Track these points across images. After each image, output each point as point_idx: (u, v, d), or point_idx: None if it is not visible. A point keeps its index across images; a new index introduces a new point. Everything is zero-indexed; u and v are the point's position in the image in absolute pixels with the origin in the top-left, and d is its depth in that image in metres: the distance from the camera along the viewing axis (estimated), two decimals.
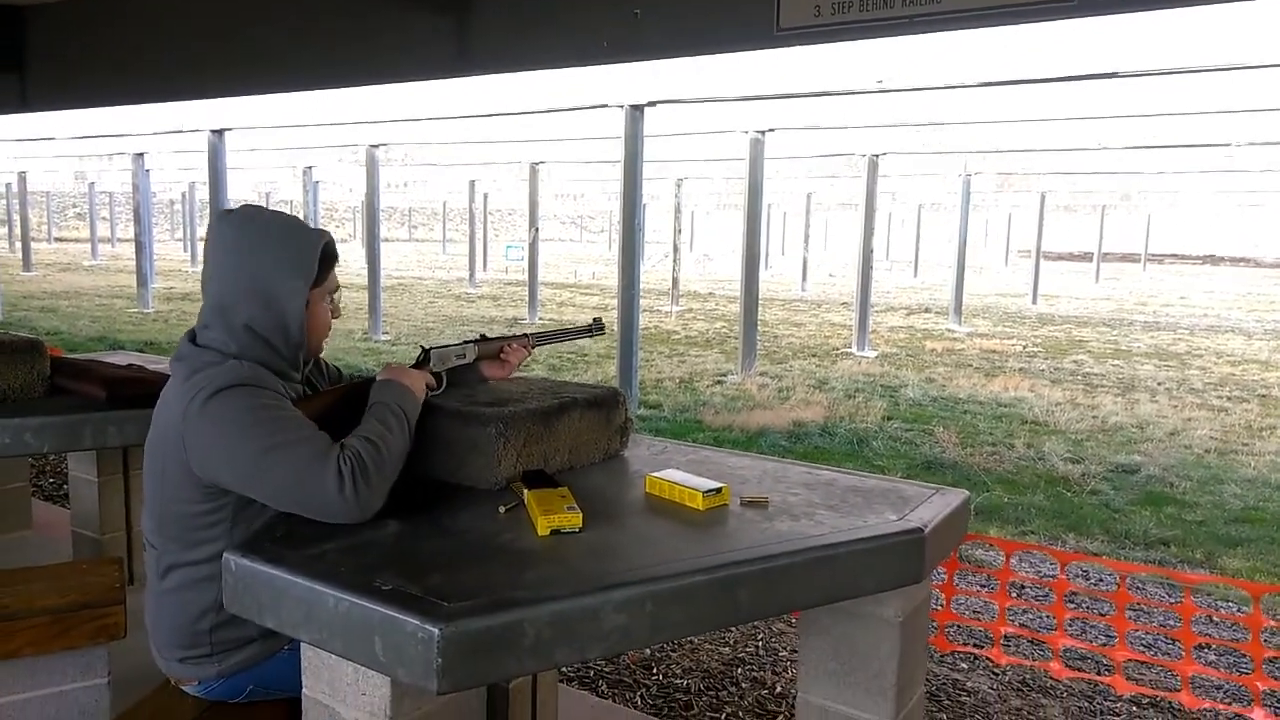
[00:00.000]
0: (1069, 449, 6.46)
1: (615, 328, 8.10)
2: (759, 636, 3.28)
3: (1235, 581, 2.28)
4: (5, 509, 3.68)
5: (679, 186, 17.68)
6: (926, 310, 17.67)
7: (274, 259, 1.66)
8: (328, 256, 1.73)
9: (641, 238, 8.04)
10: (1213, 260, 33.95)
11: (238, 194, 19.56)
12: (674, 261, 17.47)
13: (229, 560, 1.42)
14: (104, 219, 36.06)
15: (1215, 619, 2.97)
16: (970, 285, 16.70)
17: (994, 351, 11.82)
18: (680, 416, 7.31)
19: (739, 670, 3.02)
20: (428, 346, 1.95)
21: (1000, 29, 5.18)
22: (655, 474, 1.79)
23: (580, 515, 1.54)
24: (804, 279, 22.06)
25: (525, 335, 2.05)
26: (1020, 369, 10.30)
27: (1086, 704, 2.81)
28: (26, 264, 22.01)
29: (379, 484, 1.55)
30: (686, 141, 11.85)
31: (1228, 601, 3.66)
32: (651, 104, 7.61)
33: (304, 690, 1.43)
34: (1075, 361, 11.09)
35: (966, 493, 1.87)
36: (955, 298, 14.85)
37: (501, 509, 1.62)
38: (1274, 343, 13.65)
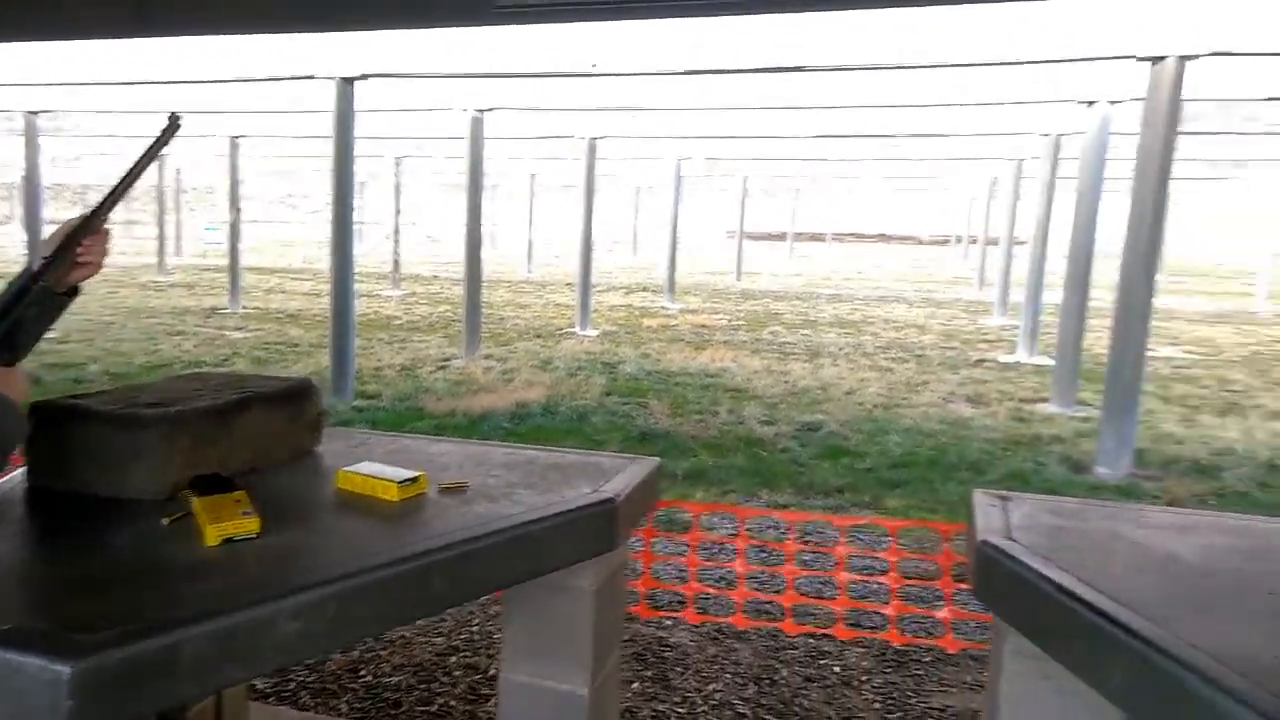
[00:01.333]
0: (765, 412, 7.08)
1: (328, 314, 7.67)
2: (474, 622, 3.28)
3: (877, 520, 2.65)
4: None
5: (398, 165, 17.05)
6: (644, 289, 18.52)
7: None
8: None
9: (352, 218, 7.65)
10: (884, 239, 38.73)
11: None
12: (394, 243, 16.87)
13: None
14: None
15: (865, 556, 3.42)
16: (683, 264, 17.73)
17: (703, 326, 12.65)
18: (400, 405, 7.09)
19: (453, 659, 3.00)
20: None
21: (701, 19, 5.46)
22: (347, 468, 1.72)
23: (256, 520, 1.44)
24: (529, 260, 22.23)
25: (86, 216, 1.66)
26: (725, 341, 11.11)
27: (772, 642, 3.11)
28: None
29: None
30: (408, 118, 11.44)
31: (884, 539, 4.19)
32: (364, 77, 7.25)
33: None
34: (772, 332, 12.17)
35: (657, 460, 1.98)
36: (669, 277, 15.69)
37: (165, 520, 1.48)
38: (928, 309, 15.85)
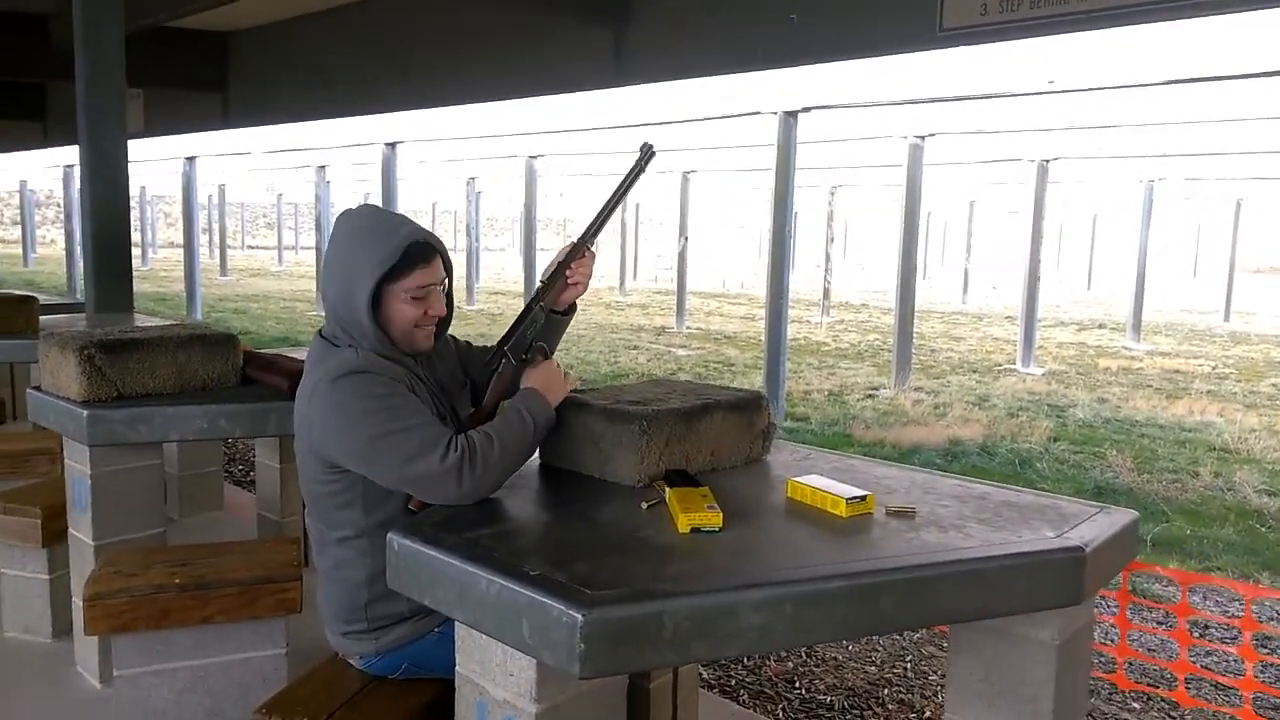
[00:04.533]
0: (1266, 480, 5.88)
1: (763, 338, 8.04)
2: (907, 658, 3.17)
3: None
4: (201, 490, 4.07)
5: (832, 194, 17.37)
6: (1100, 326, 16.52)
7: (354, 249, 1.74)
8: (417, 257, 1.74)
9: (791, 246, 7.95)
10: None
11: (407, 204, 20.79)
12: (825, 271, 17.16)
13: (393, 540, 1.52)
14: (290, 228, 39.14)
15: None
16: (1151, 300, 15.48)
17: (1177, 371, 10.91)
18: (828, 430, 7.16)
19: (885, 691, 2.93)
20: (506, 349, 1.88)
21: (1185, 21, 4.80)
22: (797, 479, 1.77)
23: (720, 515, 1.55)
24: (965, 291, 21.14)
25: (575, 243, 1.91)
26: (1208, 391, 9.46)
27: None
28: (223, 269, 24.23)
29: (485, 474, 1.63)
30: (842, 148, 11.64)
31: None
32: (806, 110, 7.53)
33: (457, 667, 1.51)
34: (1275, 385, 10.07)
35: (1135, 513, 1.74)
36: (1134, 313, 13.81)
37: (644, 505, 1.65)
38: None
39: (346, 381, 1.68)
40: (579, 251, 1.90)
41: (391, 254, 1.72)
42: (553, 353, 2.02)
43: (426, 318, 1.79)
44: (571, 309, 1.98)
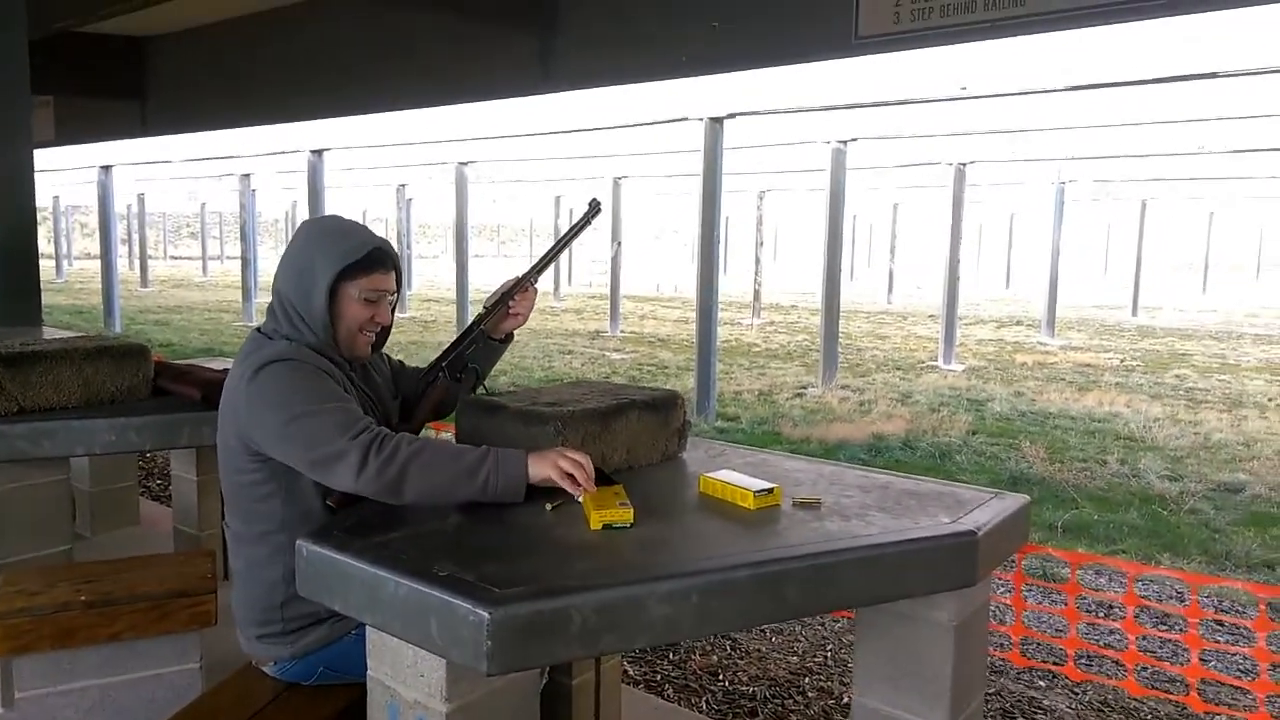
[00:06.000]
0: (1167, 466, 6.18)
1: (694, 340, 8.13)
2: (828, 647, 3.26)
3: None
4: (115, 506, 3.95)
5: (761, 199, 17.62)
6: (1017, 323, 17.13)
7: (313, 246, 1.80)
8: (376, 261, 1.81)
9: (720, 250, 8.06)
10: None
11: (336, 212, 20.36)
12: (755, 274, 17.40)
13: (301, 546, 1.52)
14: (214, 237, 37.98)
15: None
16: (1065, 297, 16.11)
17: (1089, 365, 11.38)
18: (758, 429, 7.28)
19: (806, 680, 3.00)
20: (444, 365, 2.02)
21: (1088, 30, 5.03)
22: (709, 474, 1.82)
23: (632, 511, 1.58)
24: (889, 291, 21.67)
25: (519, 278, 2.06)
26: (1117, 383, 9.88)
27: None
28: (144, 280, 23.40)
29: (392, 468, 1.57)
30: (769, 153, 11.84)
31: None
32: (731, 116, 7.65)
33: (369, 671, 1.51)
34: (1177, 376, 10.58)
35: (1026, 497, 1.84)
36: (1048, 310, 14.35)
37: (548, 506, 1.67)
38: None
39: (274, 367, 1.70)
40: (523, 285, 2.06)
41: (355, 251, 1.79)
42: (485, 377, 2.13)
43: (372, 323, 1.84)
44: (509, 338, 2.13)
